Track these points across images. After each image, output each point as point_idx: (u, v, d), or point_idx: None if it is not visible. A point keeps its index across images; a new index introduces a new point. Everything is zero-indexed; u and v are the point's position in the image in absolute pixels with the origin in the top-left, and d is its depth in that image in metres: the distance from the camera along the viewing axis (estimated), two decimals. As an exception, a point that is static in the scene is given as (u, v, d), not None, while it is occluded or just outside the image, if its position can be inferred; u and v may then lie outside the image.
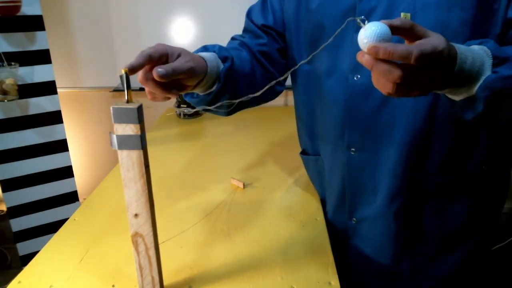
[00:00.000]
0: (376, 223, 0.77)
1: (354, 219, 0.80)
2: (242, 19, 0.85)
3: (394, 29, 0.44)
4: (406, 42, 0.46)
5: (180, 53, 0.57)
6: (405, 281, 0.80)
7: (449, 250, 0.76)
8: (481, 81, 0.47)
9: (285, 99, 1.97)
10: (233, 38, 0.84)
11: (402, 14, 0.46)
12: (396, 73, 0.42)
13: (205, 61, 0.62)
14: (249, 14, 0.84)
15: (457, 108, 0.52)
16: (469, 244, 0.76)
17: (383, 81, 0.45)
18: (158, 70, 0.52)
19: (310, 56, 0.53)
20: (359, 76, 0.68)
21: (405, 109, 0.66)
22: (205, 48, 0.69)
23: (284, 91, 1.96)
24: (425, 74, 0.44)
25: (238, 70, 0.71)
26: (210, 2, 1.85)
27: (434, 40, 0.43)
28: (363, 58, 0.44)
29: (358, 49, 0.66)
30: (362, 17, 0.45)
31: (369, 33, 0.43)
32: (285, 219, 0.83)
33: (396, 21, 0.44)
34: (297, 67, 0.59)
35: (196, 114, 1.73)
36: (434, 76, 0.45)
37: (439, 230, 0.75)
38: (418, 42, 0.44)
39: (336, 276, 0.64)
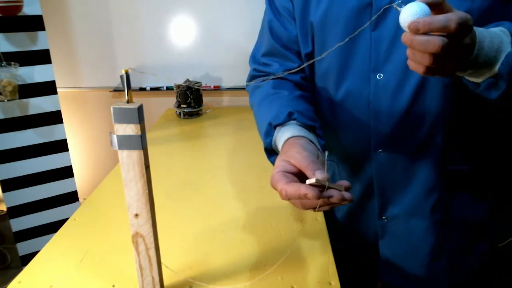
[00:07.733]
0: (411, 220, 0.75)
1: (384, 217, 0.78)
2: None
3: (429, 6, 0.45)
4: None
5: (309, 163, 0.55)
6: (443, 277, 0.78)
7: (477, 240, 0.76)
8: (502, 58, 0.49)
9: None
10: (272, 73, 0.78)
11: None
12: (436, 41, 0.43)
13: (316, 146, 0.62)
14: (272, 32, 0.79)
15: (481, 89, 0.53)
16: (491, 234, 0.76)
17: (419, 56, 0.45)
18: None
19: (327, 52, 0.55)
20: (381, 75, 0.67)
21: (435, 103, 0.65)
22: (289, 116, 0.67)
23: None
24: (461, 43, 0.46)
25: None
26: (210, 2, 1.85)
27: (462, 12, 0.45)
28: (404, 37, 0.45)
29: (377, 46, 0.67)
30: (399, 1, 0.46)
31: (409, 12, 0.44)
32: (285, 219, 0.83)
33: None
34: (308, 63, 0.59)
35: (196, 114, 1.73)
36: (467, 45, 0.47)
37: (469, 221, 0.74)
38: (452, 11, 0.45)
39: (336, 276, 0.64)
